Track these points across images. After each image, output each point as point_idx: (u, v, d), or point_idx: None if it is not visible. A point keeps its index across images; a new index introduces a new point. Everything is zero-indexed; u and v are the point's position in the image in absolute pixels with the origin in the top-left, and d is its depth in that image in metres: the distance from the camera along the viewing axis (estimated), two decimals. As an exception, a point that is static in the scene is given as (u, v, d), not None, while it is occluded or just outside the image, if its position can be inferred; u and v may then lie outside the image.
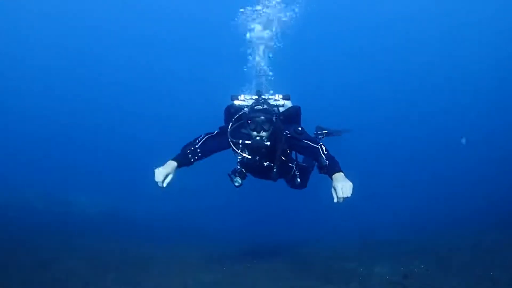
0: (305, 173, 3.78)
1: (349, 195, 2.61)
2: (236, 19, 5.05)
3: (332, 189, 2.70)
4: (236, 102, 3.38)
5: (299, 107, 3.76)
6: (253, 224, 7.19)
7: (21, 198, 7.75)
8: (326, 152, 3.06)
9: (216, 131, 3.27)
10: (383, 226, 7.00)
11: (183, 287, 4.15)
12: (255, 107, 3.07)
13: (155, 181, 2.77)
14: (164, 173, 2.80)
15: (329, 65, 15.27)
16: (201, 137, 3.23)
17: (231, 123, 3.25)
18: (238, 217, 7.64)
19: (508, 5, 13.93)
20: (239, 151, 3.18)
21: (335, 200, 2.66)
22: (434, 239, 5.80)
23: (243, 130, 3.19)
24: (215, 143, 3.19)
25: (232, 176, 3.36)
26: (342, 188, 2.61)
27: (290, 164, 3.49)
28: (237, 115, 3.29)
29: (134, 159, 12.44)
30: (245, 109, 3.25)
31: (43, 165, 10.74)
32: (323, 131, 5.16)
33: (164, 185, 2.81)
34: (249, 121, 3.05)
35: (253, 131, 3.05)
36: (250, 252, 5.80)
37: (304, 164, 3.85)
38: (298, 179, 3.53)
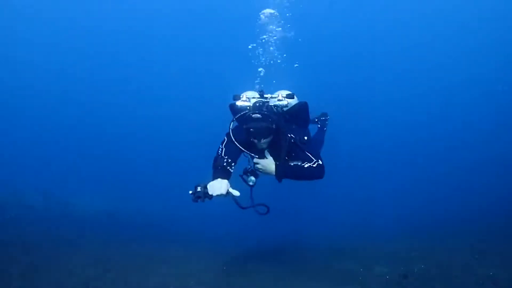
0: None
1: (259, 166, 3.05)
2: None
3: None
4: (238, 103, 3.32)
5: (306, 103, 3.67)
6: (253, 224, 7.18)
7: (21, 198, 7.75)
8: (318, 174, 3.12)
9: (225, 138, 3.26)
10: (383, 226, 7.00)
11: (183, 287, 4.15)
12: (253, 116, 3.00)
13: (217, 194, 2.75)
14: (225, 185, 2.80)
15: (332, 64, 15.24)
16: (220, 148, 3.24)
17: (230, 125, 3.22)
18: (238, 217, 7.62)
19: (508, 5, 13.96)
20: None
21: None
22: (434, 239, 5.79)
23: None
24: (233, 147, 3.17)
25: (245, 176, 3.33)
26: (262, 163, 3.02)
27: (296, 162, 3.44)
28: (238, 115, 3.25)
29: (135, 159, 12.45)
30: (246, 112, 3.18)
31: (43, 166, 10.73)
32: (327, 116, 5.45)
33: (228, 194, 2.82)
34: (248, 131, 3.03)
35: (254, 139, 3.04)
36: (250, 252, 5.80)
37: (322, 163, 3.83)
38: None
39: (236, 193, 2.83)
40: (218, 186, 2.77)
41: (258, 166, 3.04)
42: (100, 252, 5.21)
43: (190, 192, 2.80)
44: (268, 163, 3.03)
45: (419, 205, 8.31)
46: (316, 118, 5.38)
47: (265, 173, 3.07)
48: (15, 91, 15.51)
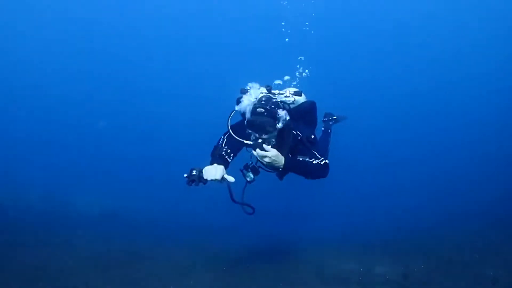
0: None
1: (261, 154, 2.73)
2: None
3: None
4: (245, 97, 3.24)
5: (313, 102, 3.61)
6: (253, 224, 7.19)
7: (21, 198, 7.74)
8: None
9: (228, 130, 3.19)
10: (383, 226, 7.00)
11: (183, 287, 4.15)
12: (257, 110, 2.91)
13: (212, 179, 2.68)
14: (221, 170, 2.75)
15: (333, 63, 15.23)
16: (222, 139, 3.22)
17: (229, 116, 3.15)
18: (238, 217, 7.63)
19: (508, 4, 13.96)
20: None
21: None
22: (434, 239, 5.80)
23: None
24: (234, 140, 3.10)
25: (245, 171, 3.28)
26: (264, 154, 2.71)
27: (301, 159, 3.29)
28: (239, 107, 3.14)
29: (135, 159, 12.44)
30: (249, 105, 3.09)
31: (44, 165, 10.72)
32: (333, 117, 5.20)
33: (223, 180, 2.76)
34: (249, 124, 2.95)
35: (255, 133, 2.97)
36: (250, 252, 5.81)
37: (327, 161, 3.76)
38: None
39: (231, 179, 2.79)
40: (214, 171, 2.73)
41: (266, 159, 2.75)
42: (100, 252, 5.21)
43: (185, 175, 2.76)
44: (277, 155, 2.78)
45: (419, 204, 8.31)
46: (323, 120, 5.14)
47: (272, 165, 2.84)
48: (15, 91, 15.50)
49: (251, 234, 6.81)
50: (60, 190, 8.55)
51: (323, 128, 5.11)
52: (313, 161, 3.02)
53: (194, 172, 2.74)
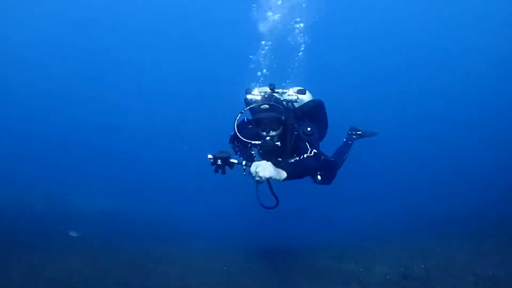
0: (329, 169, 3.58)
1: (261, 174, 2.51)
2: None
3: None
4: (249, 96, 3.30)
5: (320, 101, 3.59)
6: (253, 224, 7.19)
7: (21, 198, 7.75)
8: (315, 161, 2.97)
9: (233, 144, 3.30)
10: (383, 226, 7.00)
11: (183, 287, 4.15)
12: (262, 106, 2.96)
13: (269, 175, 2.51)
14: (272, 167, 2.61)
15: (338, 63, 15.21)
16: (231, 139, 3.31)
17: (236, 118, 3.13)
18: (238, 217, 7.64)
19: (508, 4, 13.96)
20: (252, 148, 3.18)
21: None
22: (434, 239, 5.79)
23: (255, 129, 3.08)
24: (242, 141, 3.12)
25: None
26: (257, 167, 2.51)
27: None
28: (247, 107, 3.19)
29: (135, 158, 12.44)
30: (254, 104, 3.12)
31: (43, 165, 10.73)
32: (357, 132, 5.09)
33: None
34: (256, 122, 2.99)
35: (262, 131, 3.00)
36: (250, 252, 5.80)
37: (331, 159, 3.69)
38: (319, 177, 3.26)
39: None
40: (269, 167, 2.52)
41: (266, 173, 2.51)
42: (100, 252, 5.21)
43: (210, 156, 2.75)
44: (277, 170, 2.61)
45: (419, 205, 8.31)
46: (349, 132, 5.05)
47: (275, 179, 2.64)
48: (15, 90, 15.51)
49: (251, 234, 6.81)
50: (60, 190, 8.56)
51: (344, 140, 5.00)
52: (304, 156, 2.94)
53: (223, 155, 2.76)
